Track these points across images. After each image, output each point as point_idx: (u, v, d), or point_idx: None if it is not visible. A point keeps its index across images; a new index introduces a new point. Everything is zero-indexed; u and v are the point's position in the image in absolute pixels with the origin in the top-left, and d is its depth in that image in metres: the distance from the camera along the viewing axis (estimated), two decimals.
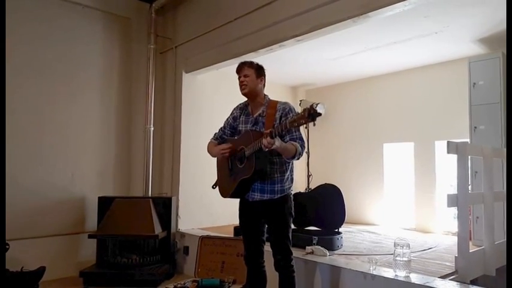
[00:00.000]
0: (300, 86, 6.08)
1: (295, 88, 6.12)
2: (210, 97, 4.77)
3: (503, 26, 3.54)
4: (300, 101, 5.39)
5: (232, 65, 4.05)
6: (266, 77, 2.60)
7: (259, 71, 2.56)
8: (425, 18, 3.41)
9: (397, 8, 2.74)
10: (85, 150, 4.27)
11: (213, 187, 2.72)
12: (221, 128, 2.74)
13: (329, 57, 4.56)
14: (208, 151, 2.70)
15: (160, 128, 4.70)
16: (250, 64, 2.56)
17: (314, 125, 2.31)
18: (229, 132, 2.69)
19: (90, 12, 4.35)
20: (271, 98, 2.59)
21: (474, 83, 3.80)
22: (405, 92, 5.08)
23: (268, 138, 2.14)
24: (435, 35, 3.80)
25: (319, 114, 1.96)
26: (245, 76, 2.52)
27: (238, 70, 2.57)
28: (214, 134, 2.76)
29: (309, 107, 1.98)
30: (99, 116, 4.39)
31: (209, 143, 2.74)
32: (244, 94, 2.57)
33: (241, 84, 2.54)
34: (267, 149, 2.18)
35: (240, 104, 2.69)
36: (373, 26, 3.44)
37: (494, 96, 3.67)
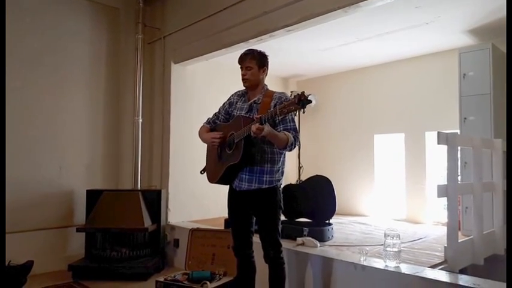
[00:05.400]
0: (291, 77, 6.04)
1: (286, 79, 6.08)
2: (202, 88, 4.72)
3: (494, 17, 3.54)
4: (291, 92, 5.38)
5: (222, 55, 4.05)
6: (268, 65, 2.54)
7: (262, 60, 2.48)
8: (416, 9, 3.40)
9: None
10: (73, 143, 4.19)
11: (201, 172, 2.69)
12: (215, 113, 2.69)
13: (320, 47, 4.53)
14: (199, 135, 2.66)
15: (149, 119, 4.63)
16: (252, 55, 2.47)
17: (304, 112, 2.29)
18: (223, 117, 2.63)
19: (78, 2, 4.25)
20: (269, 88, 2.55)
21: (464, 74, 3.81)
22: (396, 82, 5.08)
23: (258, 124, 2.11)
24: (426, 26, 3.79)
25: (310, 102, 1.96)
26: (247, 69, 2.45)
27: (240, 61, 2.50)
28: (208, 119, 2.72)
29: (299, 93, 1.96)
30: (87, 108, 4.31)
31: (201, 127, 2.69)
32: (246, 87, 2.53)
33: (242, 77, 2.49)
34: (255, 136, 2.14)
35: (238, 91, 2.64)
36: (364, 16, 3.42)
37: (484, 87, 3.69)
